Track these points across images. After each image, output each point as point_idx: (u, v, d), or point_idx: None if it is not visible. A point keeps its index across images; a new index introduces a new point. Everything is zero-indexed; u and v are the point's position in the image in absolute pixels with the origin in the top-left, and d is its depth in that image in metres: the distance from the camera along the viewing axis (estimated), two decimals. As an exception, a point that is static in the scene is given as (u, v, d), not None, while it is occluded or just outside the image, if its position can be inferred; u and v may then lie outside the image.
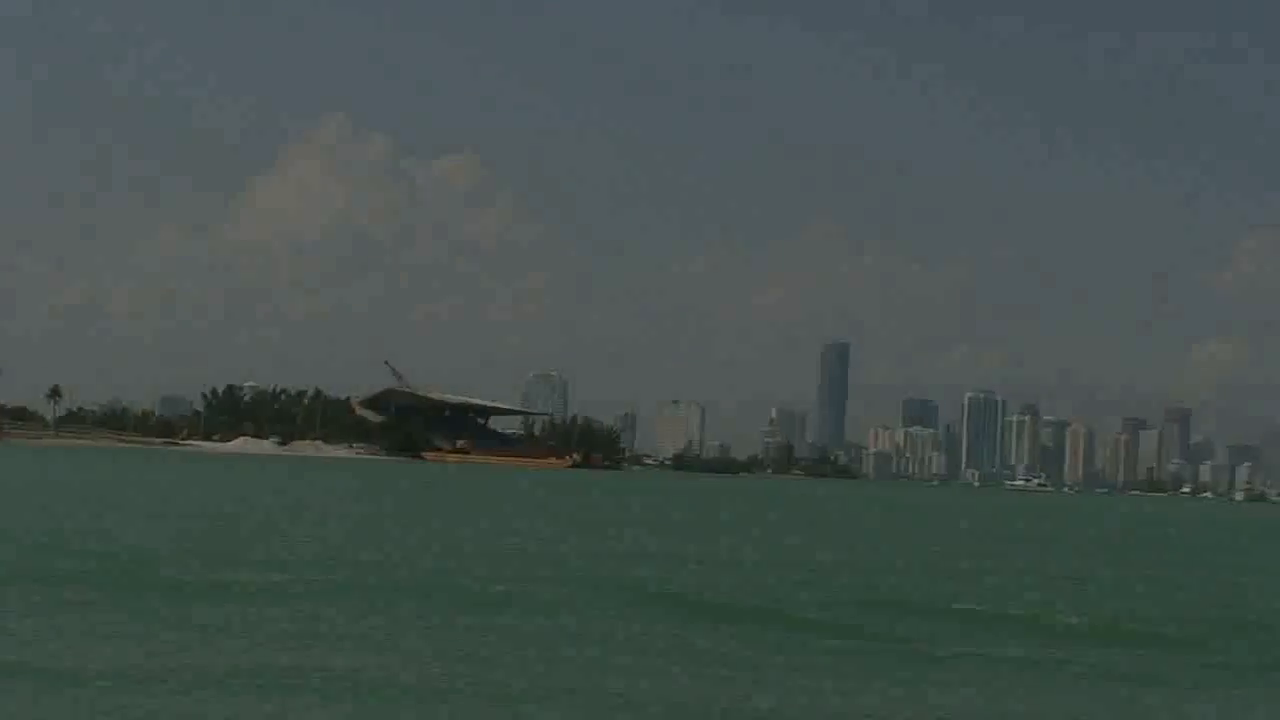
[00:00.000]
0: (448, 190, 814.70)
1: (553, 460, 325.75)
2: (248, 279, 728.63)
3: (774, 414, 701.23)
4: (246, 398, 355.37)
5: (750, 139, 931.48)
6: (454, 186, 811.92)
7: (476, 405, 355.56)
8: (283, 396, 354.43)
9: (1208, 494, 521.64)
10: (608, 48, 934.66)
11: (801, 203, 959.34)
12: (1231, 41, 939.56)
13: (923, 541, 79.08)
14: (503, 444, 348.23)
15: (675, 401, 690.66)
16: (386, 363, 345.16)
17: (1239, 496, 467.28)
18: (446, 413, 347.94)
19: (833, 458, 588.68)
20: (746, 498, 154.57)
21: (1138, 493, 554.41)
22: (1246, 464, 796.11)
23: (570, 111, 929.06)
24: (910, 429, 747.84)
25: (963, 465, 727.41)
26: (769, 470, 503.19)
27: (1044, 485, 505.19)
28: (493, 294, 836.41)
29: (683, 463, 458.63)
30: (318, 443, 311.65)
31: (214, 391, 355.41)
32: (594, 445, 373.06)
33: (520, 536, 61.83)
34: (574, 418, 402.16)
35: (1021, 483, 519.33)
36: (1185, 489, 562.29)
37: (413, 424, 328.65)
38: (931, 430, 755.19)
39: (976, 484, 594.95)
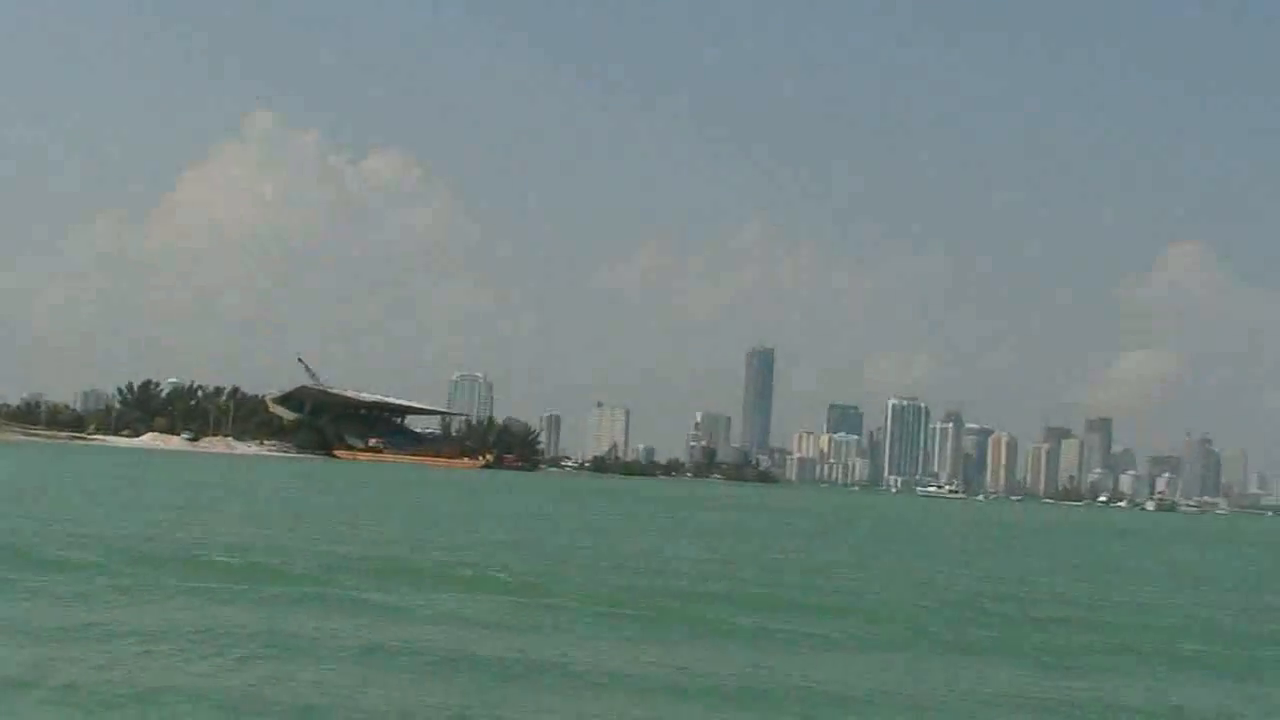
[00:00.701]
0: (378, 188, 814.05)
1: (465, 460, 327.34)
2: (178, 276, 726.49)
3: (699, 418, 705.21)
4: (163, 394, 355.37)
5: (681, 141, 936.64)
6: (384, 184, 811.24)
7: (392, 404, 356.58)
8: (199, 393, 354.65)
9: (1122, 503, 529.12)
10: (539, 45, 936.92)
11: (730, 207, 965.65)
12: (1149, 55, 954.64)
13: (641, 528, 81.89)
14: (418, 443, 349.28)
15: (599, 404, 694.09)
16: (300, 359, 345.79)
17: (1150, 506, 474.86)
18: (362, 411, 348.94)
19: (754, 462, 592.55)
20: (611, 497, 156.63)
21: (1050, 501, 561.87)
22: (1166, 474, 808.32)
23: (504, 111, 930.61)
24: (834, 435, 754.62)
25: (885, 471, 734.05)
26: (688, 474, 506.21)
27: (956, 491, 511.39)
28: (421, 294, 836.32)
29: (601, 465, 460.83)
30: (228, 439, 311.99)
31: (130, 387, 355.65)
32: (512, 446, 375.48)
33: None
34: (490, 419, 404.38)
35: (934, 488, 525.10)
36: (1102, 498, 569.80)
37: (325, 422, 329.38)
38: (855, 436, 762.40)
39: (895, 490, 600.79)
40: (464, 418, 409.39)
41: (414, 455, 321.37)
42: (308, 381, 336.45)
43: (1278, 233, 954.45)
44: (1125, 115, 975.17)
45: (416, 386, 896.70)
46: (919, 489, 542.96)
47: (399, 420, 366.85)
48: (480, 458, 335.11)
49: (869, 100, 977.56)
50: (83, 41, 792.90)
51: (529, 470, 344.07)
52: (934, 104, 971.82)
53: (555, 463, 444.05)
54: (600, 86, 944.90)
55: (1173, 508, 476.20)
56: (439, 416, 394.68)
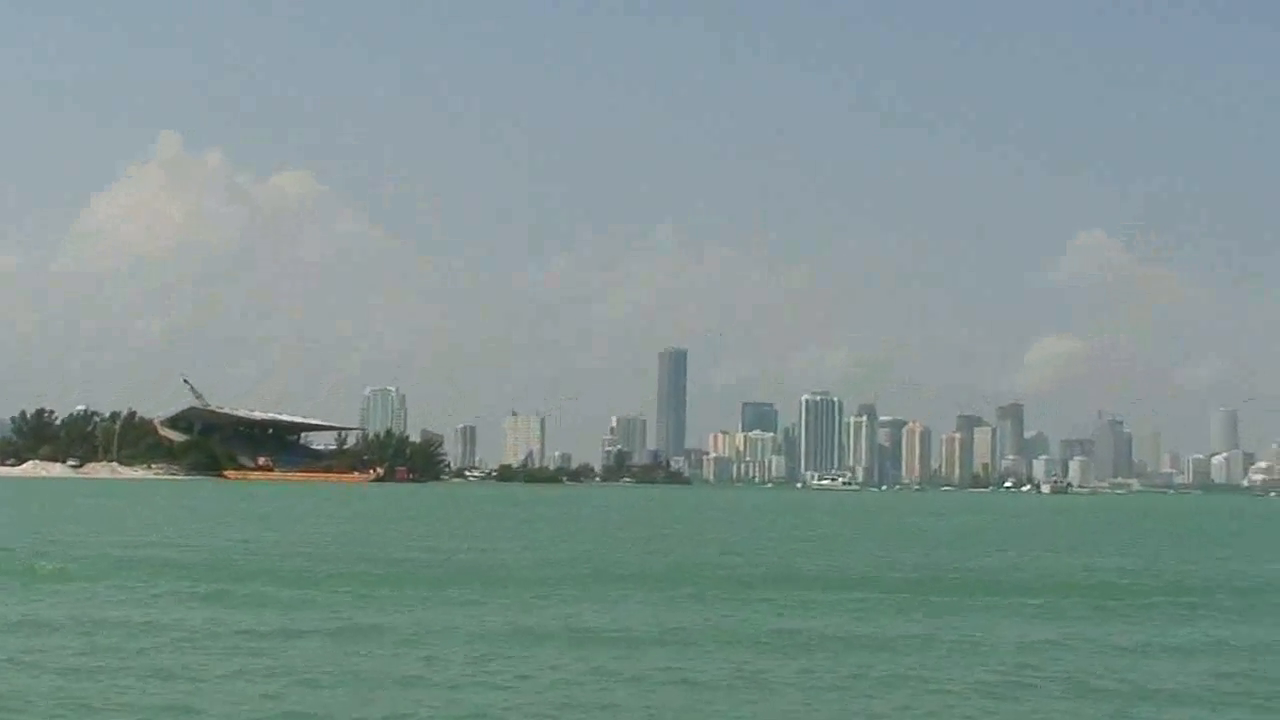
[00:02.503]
0: (286, 206, 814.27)
1: (355, 475, 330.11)
2: (86, 299, 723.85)
3: (614, 422, 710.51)
4: (58, 420, 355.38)
5: (589, 147, 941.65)
6: (292, 202, 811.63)
7: (284, 421, 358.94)
8: (95, 419, 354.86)
9: (1025, 487, 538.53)
10: (442, 61, 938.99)
11: (642, 209, 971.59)
12: (1061, 41, 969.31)
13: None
14: (313, 460, 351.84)
15: (514, 413, 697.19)
16: (185, 380, 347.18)
17: (1045, 489, 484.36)
18: (256, 430, 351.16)
19: (665, 463, 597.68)
20: (491, 504, 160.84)
21: (948, 489, 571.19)
22: (1079, 457, 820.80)
23: (406, 126, 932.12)
24: (749, 433, 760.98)
25: (802, 467, 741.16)
26: (597, 479, 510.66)
27: (849, 484, 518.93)
28: (335, 309, 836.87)
29: (508, 474, 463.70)
30: (113, 464, 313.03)
31: (23, 414, 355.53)
32: (412, 459, 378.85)
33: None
34: (389, 432, 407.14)
35: (828, 481, 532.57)
36: (1008, 484, 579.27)
37: (215, 442, 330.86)
38: (770, 434, 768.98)
39: (807, 485, 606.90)
40: (362, 432, 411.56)
41: (306, 472, 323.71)
42: (196, 402, 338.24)
43: (1181, 217, 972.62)
44: (1032, 101, 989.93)
45: (331, 402, 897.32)
46: (814, 483, 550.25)
47: (296, 438, 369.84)
48: (371, 472, 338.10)
49: (774, 94, 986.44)
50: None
51: (420, 482, 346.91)
52: (842, 97, 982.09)
53: (460, 474, 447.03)
54: (517, 90, 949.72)
55: (1066, 490, 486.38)
56: (335, 432, 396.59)
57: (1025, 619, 37.45)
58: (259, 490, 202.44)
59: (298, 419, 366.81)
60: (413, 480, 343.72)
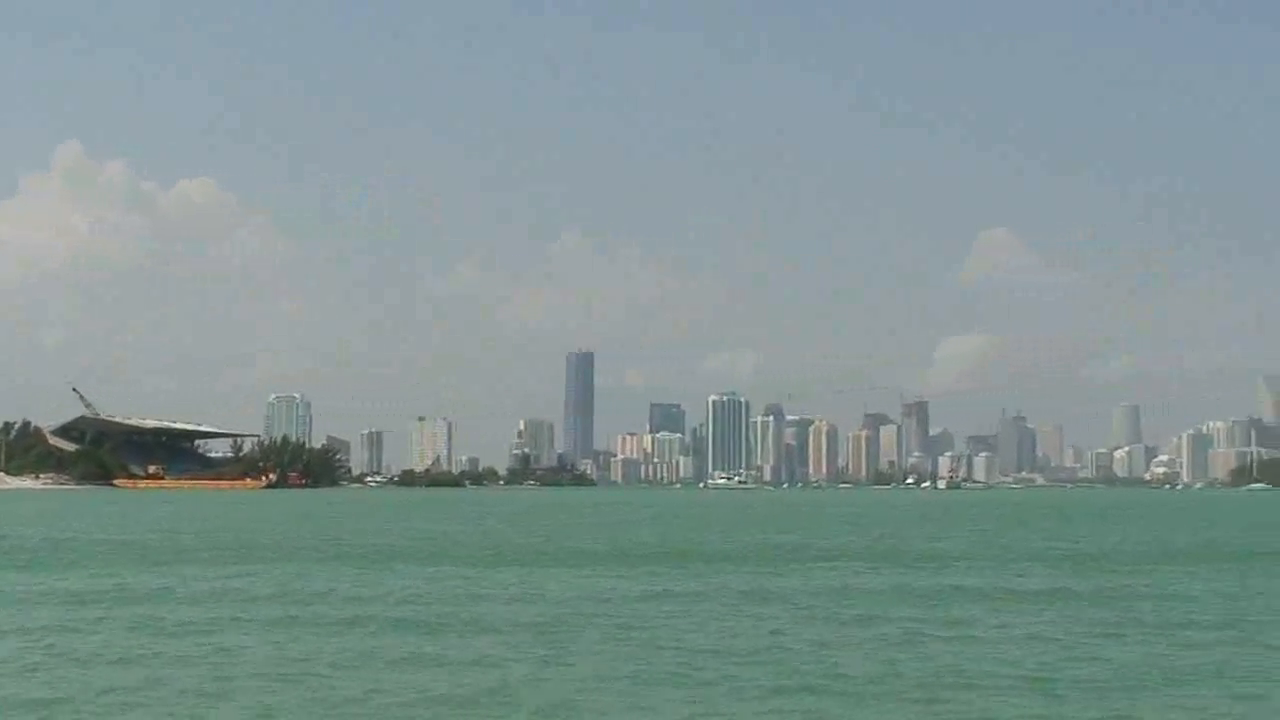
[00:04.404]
0: (190, 214, 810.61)
1: (248, 481, 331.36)
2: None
3: (522, 425, 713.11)
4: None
5: (496, 152, 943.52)
6: (196, 211, 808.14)
7: (177, 429, 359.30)
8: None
9: (926, 484, 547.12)
10: (346, 67, 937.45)
11: (551, 214, 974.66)
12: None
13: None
14: (205, 467, 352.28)
15: (421, 418, 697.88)
16: (74, 389, 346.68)
17: (941, 485, 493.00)
18: (149, 438, 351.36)
19: (570, 465, 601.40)
20: (356, 506, 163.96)
21: (847, 486, 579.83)
22: (984, 454, 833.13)
23: (310, 133, 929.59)
24: (657, 435, 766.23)
25: (710, 467, 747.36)
26: (501, 482, 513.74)
27: (744, 483, 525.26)
28: (238, 318, 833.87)
29: (409, 479, 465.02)
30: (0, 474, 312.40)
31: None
32: (309, 465, 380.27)
33: None
34: (285, 438, 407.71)
35: (724, 481, 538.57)
36: (909, 480, 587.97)
37: (105, 451, 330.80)
38: (678, 435, 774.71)
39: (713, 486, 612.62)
40: (257, 438, 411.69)
41: (197, 480, 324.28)
42: (86, 412, 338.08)
43: (1082, 217, 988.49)
44: (935, 104, 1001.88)
45: (237, 410, 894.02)
46: (709, 482, 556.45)
47: (191, 445, 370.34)
48: (264, 478, 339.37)
49: (678, 102, 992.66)
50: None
51: (315, 488, 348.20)
52: (744, 104, 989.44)
53: (360, 479, 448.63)
54: (422, 94, 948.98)
55: (959, 486, 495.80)
56: (230, 439, 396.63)
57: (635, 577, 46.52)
58: (134, 498, 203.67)
59: (190, 426, 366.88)
60: (306, 486, 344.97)
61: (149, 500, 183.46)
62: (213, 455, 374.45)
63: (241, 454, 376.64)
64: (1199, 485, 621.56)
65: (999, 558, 59.99)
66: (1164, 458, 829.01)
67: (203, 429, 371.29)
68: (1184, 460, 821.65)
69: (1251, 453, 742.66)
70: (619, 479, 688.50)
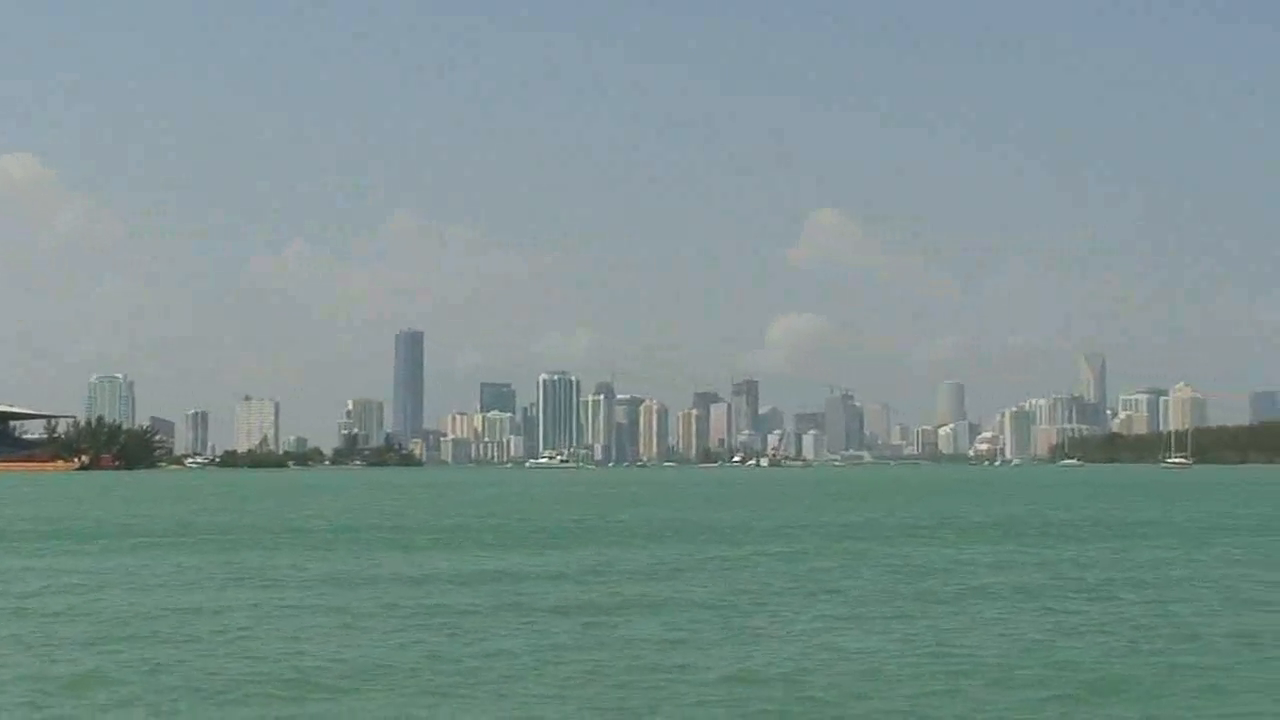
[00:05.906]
0: (8, 190, 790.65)
1: (59, 463, 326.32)
2: None
3: (350, 405, 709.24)
4: None
5: (336, 133, 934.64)
6: (15, 186, 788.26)
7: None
8: None
9: (752, 461, 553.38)
10: (183, 42, 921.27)
11: (385, 195, 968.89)
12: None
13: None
14: (18, 448, 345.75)
15: (247, 398, 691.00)
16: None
17: (764, 463, 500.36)
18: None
19: (399, 445, 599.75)
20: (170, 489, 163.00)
21: (671, 465, 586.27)
22: (812, 431, 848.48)
23: (138, 109, 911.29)
24: (487, 414, 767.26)
25: (541, 446, 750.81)
26: (326, 462, 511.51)
27: (566, 462, 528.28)
28: (59, 296, 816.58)
29: (231, 460, 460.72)
30: None
31: None
32: (126, 446, 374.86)
33: None
34: (100, 419, 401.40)
35: (545, 460, 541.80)
36: (735, 458, 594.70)
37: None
38: (509, 414, 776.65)
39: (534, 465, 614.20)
40: (72, 420, 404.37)
41: (6, 462, 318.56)
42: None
43: (913, 199, 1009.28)
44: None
45: (58, 390, 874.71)
46: (530, 462, 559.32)
47: (4, 427, 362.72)
48: (75, 460, 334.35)
49: (509, 83, 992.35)
50: None
51: (130, 470, 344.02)
52: (574, 86, 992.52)
53: (179, 460, 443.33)
54: (256, 74, 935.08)
55: (780, 464, 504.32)
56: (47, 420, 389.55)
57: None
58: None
59: (3, 408, 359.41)
60: (119, 468, 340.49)
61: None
62: (29, 437, 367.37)
63: (56, 435, 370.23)
64: (1017, 461, 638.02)
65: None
66: (987, 434, 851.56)
67: (15, 410, 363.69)
68: (1006, 437, 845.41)
69: (1071, 429, 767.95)
70: (449, 459, 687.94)
